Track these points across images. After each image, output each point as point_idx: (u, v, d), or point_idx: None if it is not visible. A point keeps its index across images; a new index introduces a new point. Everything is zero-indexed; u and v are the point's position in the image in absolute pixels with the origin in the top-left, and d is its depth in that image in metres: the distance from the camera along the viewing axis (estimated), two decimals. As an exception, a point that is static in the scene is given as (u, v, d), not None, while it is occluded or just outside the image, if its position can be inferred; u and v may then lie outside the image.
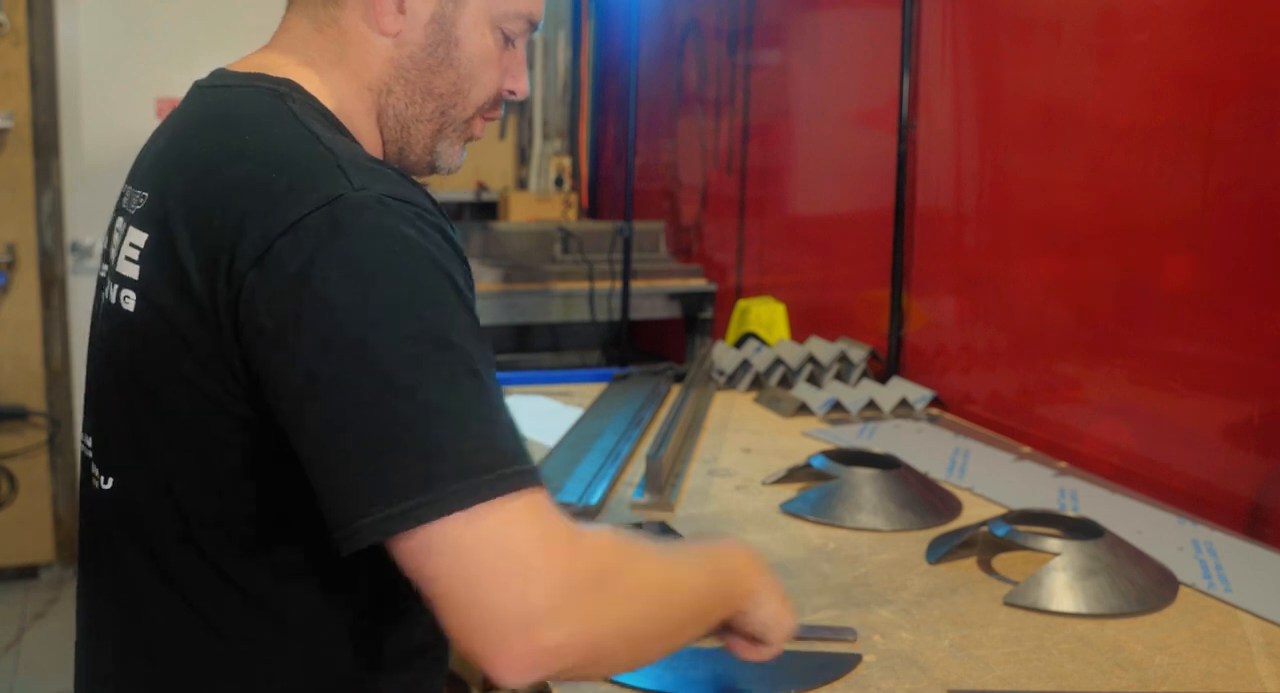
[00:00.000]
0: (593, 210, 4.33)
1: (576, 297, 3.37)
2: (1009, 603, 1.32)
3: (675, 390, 2.37)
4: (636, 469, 1.82)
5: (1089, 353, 1.96)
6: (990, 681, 1.13)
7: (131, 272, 0.94)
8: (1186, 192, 1.74)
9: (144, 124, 4.04)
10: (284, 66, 1.00)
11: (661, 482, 1.68)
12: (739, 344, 2.74)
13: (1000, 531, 1.42)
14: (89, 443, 1.01)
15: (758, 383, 2.46)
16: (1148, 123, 1.82)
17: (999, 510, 1.63)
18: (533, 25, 1.06)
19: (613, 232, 3.44)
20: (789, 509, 1.64)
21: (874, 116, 2.55)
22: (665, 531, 1.53)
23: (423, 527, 0.77)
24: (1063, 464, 1.94)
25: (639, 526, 1.54)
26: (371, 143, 1.03)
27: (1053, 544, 1.38)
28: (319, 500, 0.81)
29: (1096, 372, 1.94)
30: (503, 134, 4.31)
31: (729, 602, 0.95)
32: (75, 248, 3.83)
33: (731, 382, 2.47)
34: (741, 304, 3.01)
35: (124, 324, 0.94)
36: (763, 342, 2.69)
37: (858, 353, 2.45)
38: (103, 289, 1.00)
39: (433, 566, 0.77)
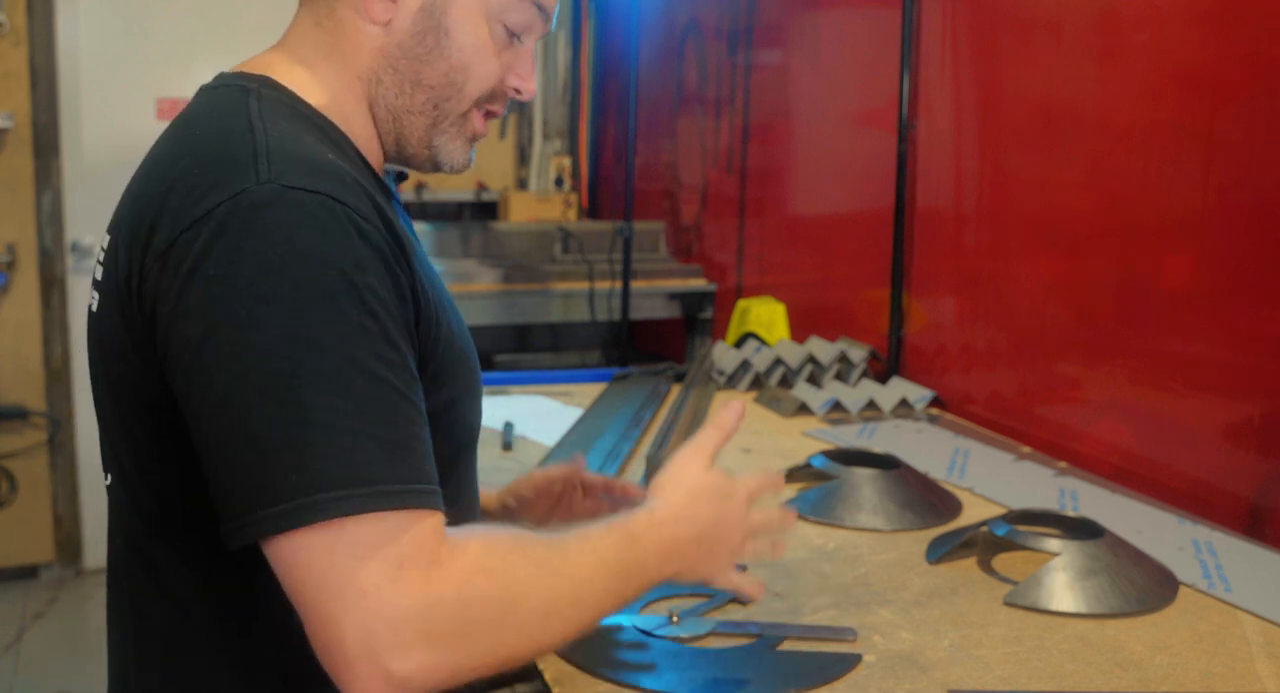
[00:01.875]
0: (593, 210, 4.33)
1: (576, 297, 3.37)
2: (1009, 603, 1.32)
3: (675, 390, 2.37)
4: (636, 469, 1.82)
5: (1089, 353, 1.96)
6: (990, 681, 1.13)
7: (98, 273, 0.96)
8: (1186, 192, 1.74)
9: (144, 124, 4.06)
10: (273, 64, 0.99)
11: (661, 482, 1.68)
12: (739, 344, 2.74)
13: (1000, 531, 1.42)
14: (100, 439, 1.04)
15: (758, 383, 2.46)
16: (1148, 123, 1.82)
17: (999, 510, 1.63)
18: (545, 16, 1.02)
19: (613, 232, 3.44)
20: (790, 509, 1.64)
21: (874, 116, 2.55)
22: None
23: (288, 534, 0.76)
24: (1063, 464, 1.94)
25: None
26: (367, 135, 1.01)
27: (1053, 544, 1.38)
28: (212, 496, 0.82)
29: (1096, 372, 1.94)
30: (503, 134, 4.31)
31: (634, 586, 0.92)
32: (75, 248, 3.83)
33: (731, 382, 2.47)
34: (741, 304, 3.01)
35: (92, 325, 0.96)
36: (763, 342, 2.69)
37: (858, 353, 2.45)
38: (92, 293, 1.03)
39: (290, 576, 0.77)
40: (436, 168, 1.04)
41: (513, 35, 1.01)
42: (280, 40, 1.03)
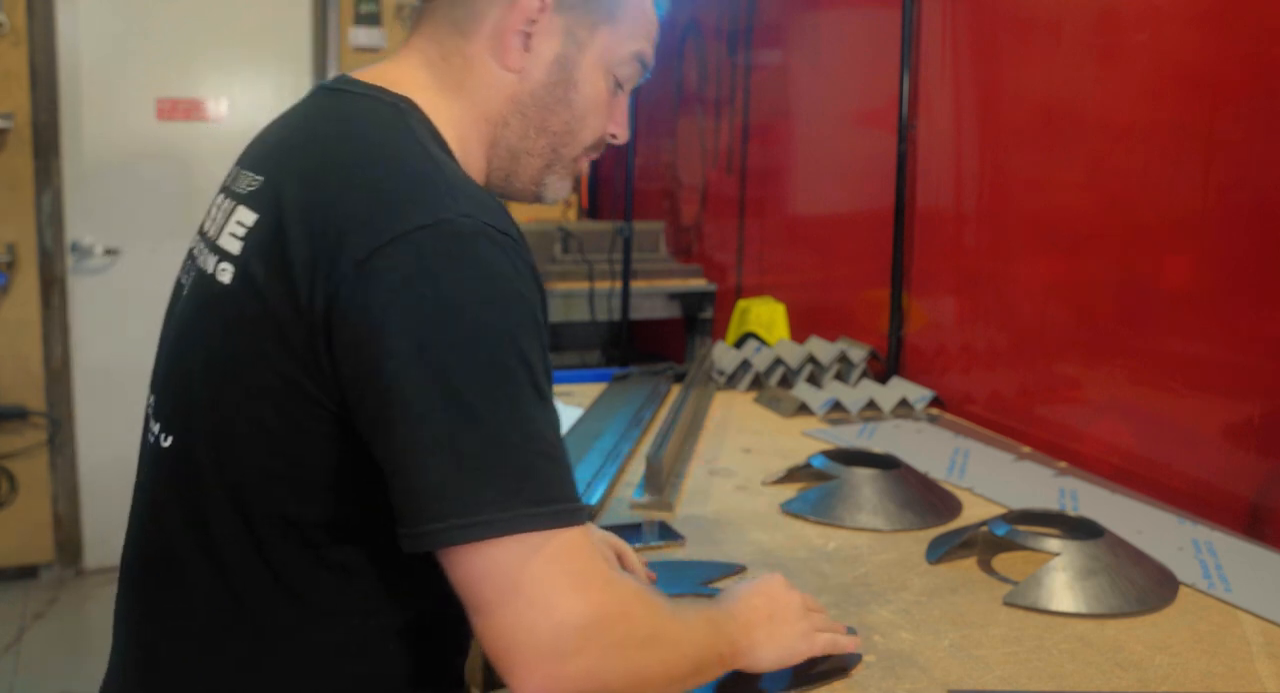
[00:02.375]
0: (593, 210, 4.33)
1: (576, 297, 3.37)
2: (1009, 603, 1.32)
3: (675, 390, 2.37)
4: (636, 469, 1.82)
5: (1089, 353, 1.96)
6: (990, 681, 1.13)
7: (233, 247, 0.96)
8: (1186, 192, 1.74)
9: (144, 124, 4.06)
10: (406, 86, 1.03)
11: (661, 482, 1.68)
12: (739, 344, 2.74)
13: (1000, 531, 1.42)
14: (151, 399, 1.06)
15: (758, 383, 2.46)
16: (1148, 123, 1.82)
17: (999, 510, 1.63)
18: (644, 69, 1.11)
19: (613, 232, 3.44)
20: (789, 509, 1.64)
21: (874, 116, 2.55)
22: (665, 530, 1.53)
23: (483, 543, 0.83)
24: (1063, 464, 1.94)
25: (639, 526, 1.54)
26: (478, 168, 1.07)
27: (1053, 544, 1.38)
28: (392, 499, 0.86)
29: (1096, 372, 1.94)
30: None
31: (724, 662, 1.01)
32: (75, 248, 3.83)
33: (731, 382, 2.47)
34: (741, 304, 3.01)
35: (218, 295, 0.96)
36: (763, 342, 2.69)
37: (858, 353, 2.45)
38: (193, 259, 1.04)
39: (482, 581, 0.84)
40: (537, 201, 1.12)
41: (618, 86, 1.10)
42: (399, 60, 1.07)
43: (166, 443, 1.00)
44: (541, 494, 0.84)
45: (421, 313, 0.85)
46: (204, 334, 0.98)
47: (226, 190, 1.04)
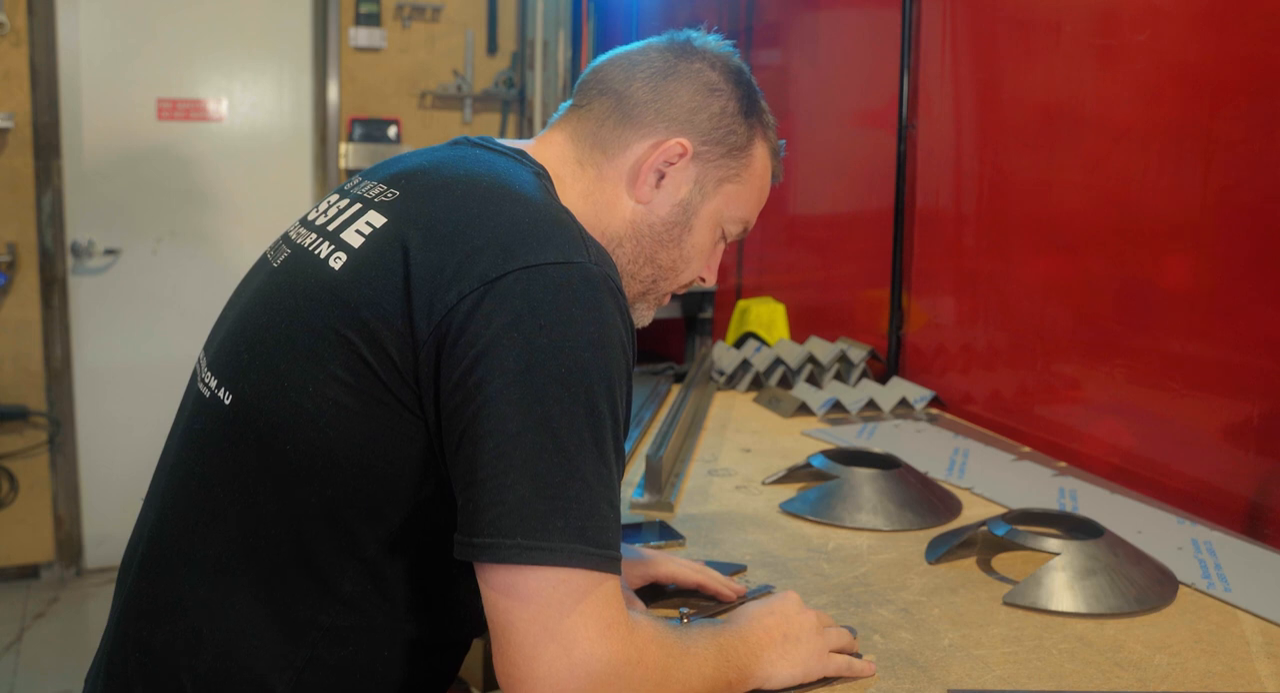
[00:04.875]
0: (593, 210, 4.32)
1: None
2: (1009, 603, 1.32)
3: (675, 390, 2.37)
4: (636, 469, 1.82)
5: (1089, 353, 1.96)
6: (990, 680, 1.13)
7: (355, 241, 1.00)
8: (1186, 192, 1.74)
9: (144, 124, 4.06)
10: (545, 164, 1.11)
11: (661, 482, 1.68)
12: (739, 344, 2.74)
13: (1000, 530, 1.42)
14: (205, 357, 1.09)
15: (758, 383, 2.46)
16: (1148, 123, 1.82)
17: (999, 510, 1.63)
18: (745, 231, 1.20)
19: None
20: (789, 509, 1.64)
21: (874, 116, 2.55)
22: (665, 530, 1.53)
23: (523, 567, 0.86)
24: (1062, 464, 1.94)
25: (639, 526, 1.54)
26: None
27: (1052, 544, 1.38)
28: (461, 507, 0.90)
29: (1096, 372, 1.94)
30: (502, 134, 4.30)
31: (734, 687, 1.03)
32: (75, 248, 3.83)
33: (731, 382, 2.47)
34: (741, 304, 3.01)
35: (323, 277, 1.00)
36: (763, 342, 2.69)
37: (858, 353, 2.45)
38: (289, 240, 1.09)
39: (509, 604, 0.87)
40: None
41: (722, 238, 1.19)
42: (541, 144, 1.14)
43: (228, 400, 1.02)
44: (600, 538, 0.88)
45: (538, 341, 0.89)
46: (295, 308, 1.00)
47: (349, 193, 1.08)
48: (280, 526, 0.98)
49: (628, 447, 1.89)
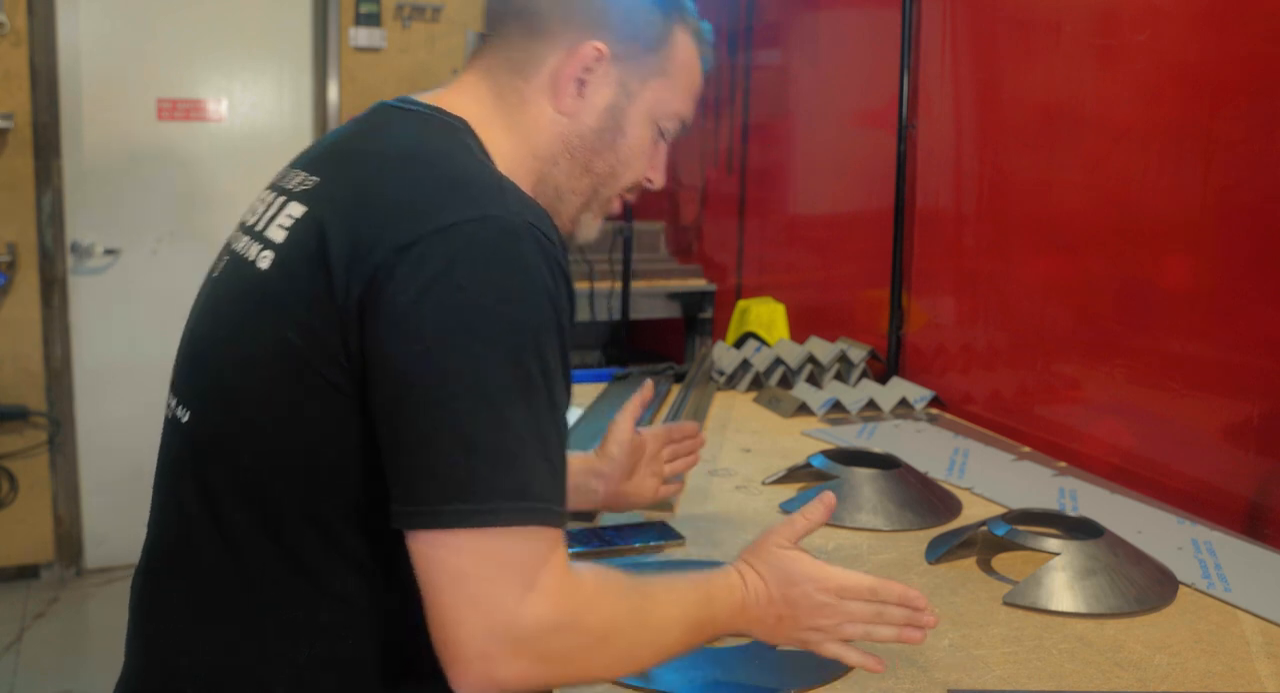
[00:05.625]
0: (593, 210, 4.32)
1: (577, 297, 3.37)
2: (1009, 603, 1.32)
3: (675, 390, 2.37)
4: (636, 469, 1.81)
5: (1089, 353, 1.96)
6: (990, 681, 1.13)
7: (278, 236, 0.99)
8: (1186, 192, 1.74)
9: (144, 124, 4.06)
10: (463, 112, 1.08)
11: (661, 482, 1.68)
12: (739, 344, 2.74)
13: (1000, 530, 1.42)
14: (173, 376, 1.09)
15: (758, 383, 2.46)
16: (1148, 123, 1.82)
17: (999, 510, 1.63)
18: (684, 125, 1.17)
19: (613, 232, 3.44)
20: (789, 509, 1.64)
21: (874, 116, 2.55)
22: (665, 530, 1.53)
23: (444, 532, 0.85)
24: (1062, 464, 1.94)
25: (639, 526, 1.54)
26: None
27: (1052, 544, 1.38)
28: (392, 477, 0.89)
29: (1096, 372, 1.94)
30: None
31: (696, 646, 1.02)
32: (75, 248, 3.83)
33: (731, 382, 2.47)
34: (741, 304, 3.01)
35: (254, 279, 0.99)
36: (763, 342, 2.69)
37: (857, 353, 2.45)
38: (230, 248, 1.08)
39: (435, 571, 0.86)
40: (569, 238, 1.16)
41: (660, 136, 1.17)
42: (455, 92, 1.12)
43: (185, 418, 1.03)
44: (529, 491, 0.86)
45: (456, 302, 0.87)
46: (233, 316, 1.00)
47: (275, 187, 1.07)
48: (260, 535, 0.98)
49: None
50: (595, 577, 0.93)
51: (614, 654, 0.94)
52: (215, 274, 1.07)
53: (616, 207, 1.18)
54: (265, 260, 0.98)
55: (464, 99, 1.10)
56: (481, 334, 0.87)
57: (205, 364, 1.02)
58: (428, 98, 1.10)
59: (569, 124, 1.10)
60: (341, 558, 0.98)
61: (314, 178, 1.02)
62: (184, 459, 1.02)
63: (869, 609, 1.04)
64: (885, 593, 1.05)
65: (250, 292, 0.99)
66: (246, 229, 1.06)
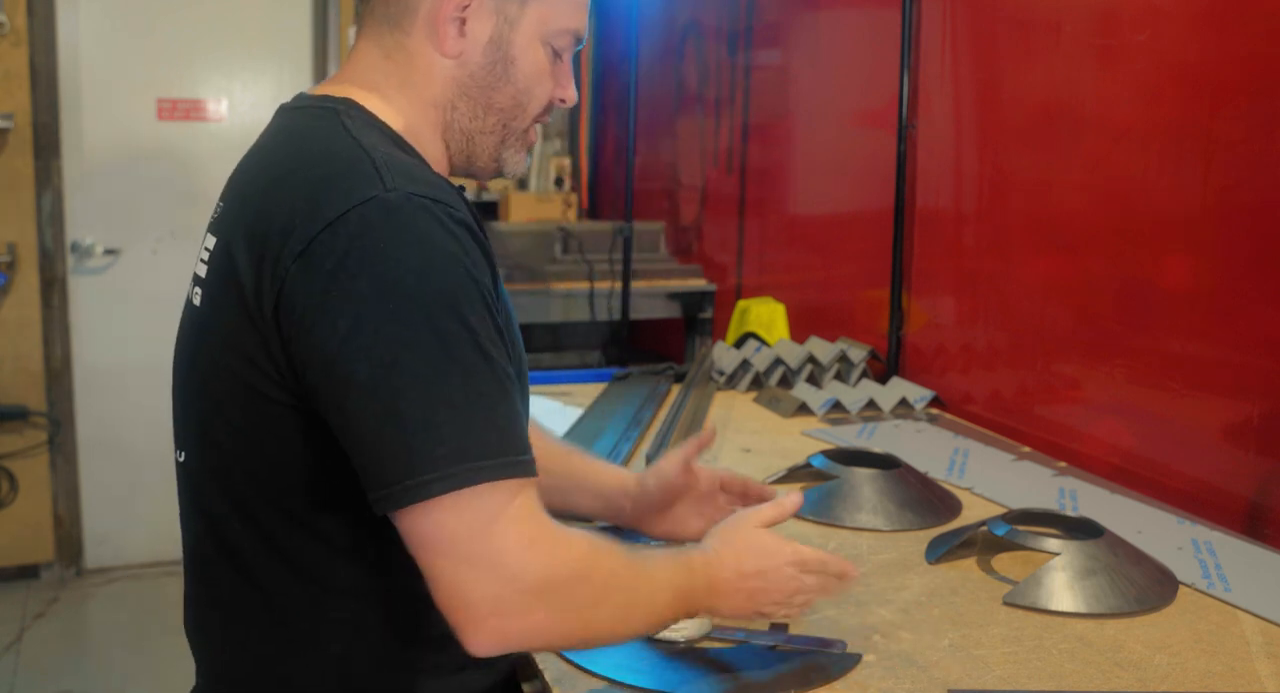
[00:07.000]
0: (593, 210, 4.33)
1: (576, 297, 3.37)
2: (1008, 603, 1.32)
3: (675, 390, 2.37)
4: (637, 469, 1.81)
5: (1089, 353, 1.96)
6: (990, 681, 1.13)
7: (203, 272, 1.04)
8: (1186, 192, 1.74)
9: (144, 124, 4.06)
10: (350, 91, 1.09)
11: (661, 482, 1.68)
12: (739, 344, 2.74)
13: (1000, 530, 1.42)
14: (173, 415, 1.12)
15: (758, 383, 2.46)
16: (1148, 123, 1.82)
17: (999, 510, 1.63)
18: (578, 39, 1.14)
19: (613, 232, 3.44)
20: (789, 509, 1.64)
21: (874, 116, 2.55)
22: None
23: (422, 505, 0.86)
24: (1062, 464, 1.94)
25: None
26: (437, 156, 1.11)
27: (1052, 544, 1.38)
28: (355, 466, 0.91)
29: (1096, 372, 1.94)
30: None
31: (682, 617, 1.07)
32: (75, 248, 3.83)
33: (731, 382, 2.47)
34: (741, 304, 3.01)
35: (193, 318, 1.05)
36: (763, 342, 2.69)
37: (858, 353, 2.45)
38: (189, 292, 1.12)
39: (427, 543, 0.88)
40: (499, 176, 1.16)
41: (556, 54, 1.13)
42: (347, 70, 1.12)
43: (182, 459, 1.07)
44: (488, 448, 0.88)
45: (358, 289, 0.89)
46: (190, 356, 1.05)
47: (209, 225, 1.11)
48: (262, 552, 1.01)
49: (628, 447, 1.89)
50: (587, 534, 0.96)
51: (615, 608, 0.96)
52: (181, 322, 1.11)
53: (533, 135, 1.16)
54: (198, 297, 1.03)
55: (353, 74, 1.10)
56: (392, 313, 0.88)
57: (184, 406, 1.07)
58: (320, 88, 1.10)
59: (457, 67, 1.09)
60: (347, 557, 1.01)
61: (221, 205, 1.06)
62: (190, 498, 1.07)
63: (818, 581, 1.15)
64: (833, 566, 1.15)
65: (194, 331, 1.04)
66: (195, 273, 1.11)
